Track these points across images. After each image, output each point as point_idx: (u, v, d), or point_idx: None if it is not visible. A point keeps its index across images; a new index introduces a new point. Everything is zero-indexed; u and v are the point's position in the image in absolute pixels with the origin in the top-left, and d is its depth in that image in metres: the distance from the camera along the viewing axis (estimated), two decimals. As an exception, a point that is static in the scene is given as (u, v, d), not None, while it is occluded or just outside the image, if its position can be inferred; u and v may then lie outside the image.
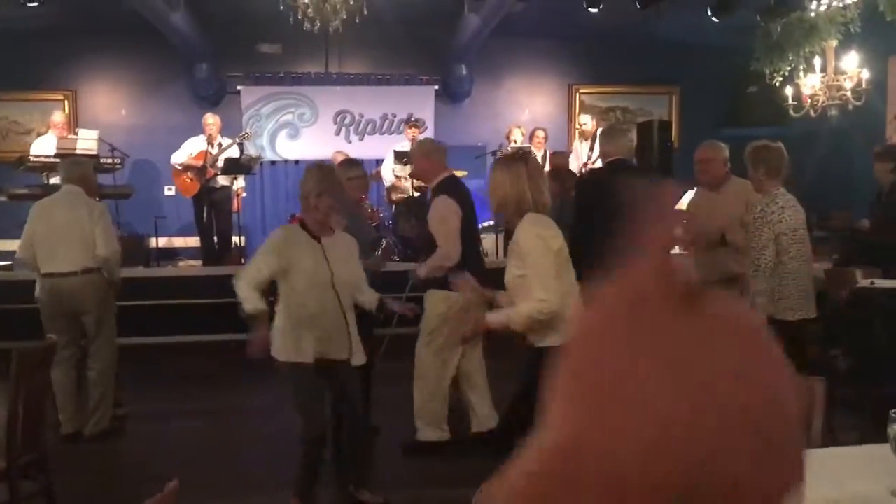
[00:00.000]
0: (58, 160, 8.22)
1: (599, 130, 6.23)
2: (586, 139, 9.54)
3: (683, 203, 7.27)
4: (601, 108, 11.58)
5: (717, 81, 10.72)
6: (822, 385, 2.66)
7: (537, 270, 3.22)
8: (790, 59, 8.01)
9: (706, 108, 11.01)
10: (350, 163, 5.37)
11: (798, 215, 4.25)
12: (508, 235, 5.11)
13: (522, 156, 3.60)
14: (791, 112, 7.44)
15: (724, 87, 10.80)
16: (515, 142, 9.63)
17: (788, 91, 7.39)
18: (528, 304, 3.21)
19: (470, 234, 4.60)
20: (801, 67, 7.83)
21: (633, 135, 5.82)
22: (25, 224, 5.14)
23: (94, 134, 8.62)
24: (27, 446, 3.34)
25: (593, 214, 4.30)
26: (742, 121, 10.42)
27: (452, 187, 4.61)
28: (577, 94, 11.55)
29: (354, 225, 4.60)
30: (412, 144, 9.15)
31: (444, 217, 4.47)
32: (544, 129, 9.74)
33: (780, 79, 8.13)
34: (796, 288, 4.22)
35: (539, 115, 11.19)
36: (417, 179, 5.07)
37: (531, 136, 9.62)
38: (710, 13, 8.62)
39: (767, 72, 8.29)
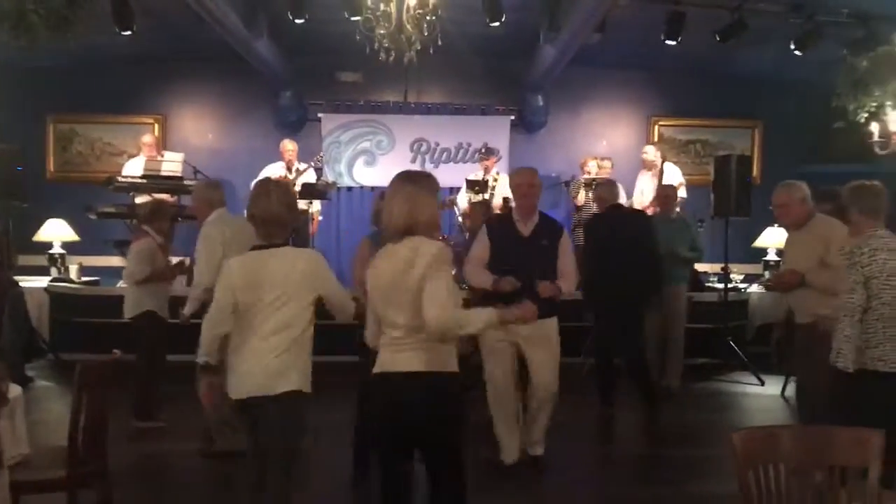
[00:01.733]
0: (144, 181, 8.64)
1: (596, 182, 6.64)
2: (650, 170, 9.39)
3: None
4: (681, 141, 11.41)
5: (801, 116, 10.43)
6: (880, 436, 2.55)
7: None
8: (876, 94, 7.74)
9: (789, 143, 10.72)
10: (381, 194, 5.43)
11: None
12: None
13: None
14: (877, 149, 7.17)
15: (808, 122, 10.49)
16: (590, 173, 9.58)
17: (874, 128, 7.13)
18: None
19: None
20: (888, 104, 7.55)
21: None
22: (212, 245, 4.95)
23: (178, 157, 8.99)
24: (88, 456, 3.47)
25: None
26: (826, 157, 10.07)
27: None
28: (657, 127, 11.41)
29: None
30: (485, 174, 9.24)
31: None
32: (610, 159, 9.71)
33: (866, 115, 7.86)
34: (887, 336, 3.93)
35: (617, 147, 11.09)
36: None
37: (582, 166, 9.65)
38: (793, 46, 8.41)
39: (851, 108, 8.03)
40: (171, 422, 5.85)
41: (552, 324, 4.76)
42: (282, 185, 3.76)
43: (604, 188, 6.75)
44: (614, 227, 5.06)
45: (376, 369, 3.15)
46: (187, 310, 5.00)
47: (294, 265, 3.40)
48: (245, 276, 3.37)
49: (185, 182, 8.86)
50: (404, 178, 3.28)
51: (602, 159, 9.76)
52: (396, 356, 3.10)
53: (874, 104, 7.81)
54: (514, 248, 4.73)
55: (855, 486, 2.54)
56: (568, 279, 4.59)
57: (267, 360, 3.32)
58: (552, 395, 4.80)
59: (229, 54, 8.97)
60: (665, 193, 7.62)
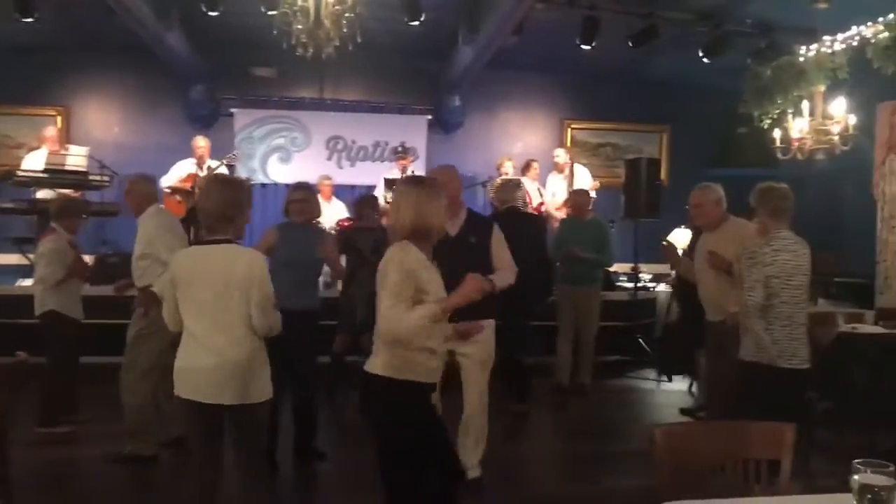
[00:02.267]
0: (46, 175, 8.25)
1: (497, 182, 6.65)
2: (560, 172, 9.59)
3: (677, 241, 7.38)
4: (593, 144, 11.67)
5: (706, 121, 10.82)
6: (791, 430, 2.65)
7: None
8: (779, 102, 8.09)
9: (696, 147, 11.10)
10: (293, 186, 5.42)
11: (797, 260, 4.14)
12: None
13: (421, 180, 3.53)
14: (779, 155, 7.48)
15: (713, 128, 10.90)
16: (507, 174, 9.66)
17: (777, 134, 7.43)
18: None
19: None
20: (790, 111, 7.89)
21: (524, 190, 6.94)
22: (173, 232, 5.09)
23: (83, 151, 8.61)
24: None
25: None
26: (731, 161, 10.50)
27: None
28: (570, 129, 11.63)
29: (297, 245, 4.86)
30: (402, 173, 9.21)
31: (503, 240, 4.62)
32: (538, 161, 9.80)
33: (769, 121, 8.20)
34: (786, 334, 4.09)
35: (531, 149, 11.24)
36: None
37: (526, 167, 9.65)
38: (701, 54, 8.71)
39: (756, 114, 8.37)
40: (82, 426, 5.66)
41: (489, 332, 4.55)
42: (228, 181, 3.69)
43: (502, 189, 6.75)
44: (508, 228, 4.94)
45: None
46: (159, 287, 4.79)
47: (234, 263, 3.30)
48: (183, 270, 3.32)
49: (91, 177, 8.51)
50: (413, 181, 3.39)
51: (532, 161, 9.86)
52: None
53: (777, 111, 8.16)
54: (442, 250, 4.67)
55: (768, 477, 2.63)
56: (503, 273, 4.52)
57: (206, 362, 3.27)
58: (476, 416, 4.61)
59: (139, 46, 8.67)
60: (578, 200, 7.71)
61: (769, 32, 8.38)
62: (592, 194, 9.38)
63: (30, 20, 7.48)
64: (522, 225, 6.42)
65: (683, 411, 6.78)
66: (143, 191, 5.15)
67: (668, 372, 8.03)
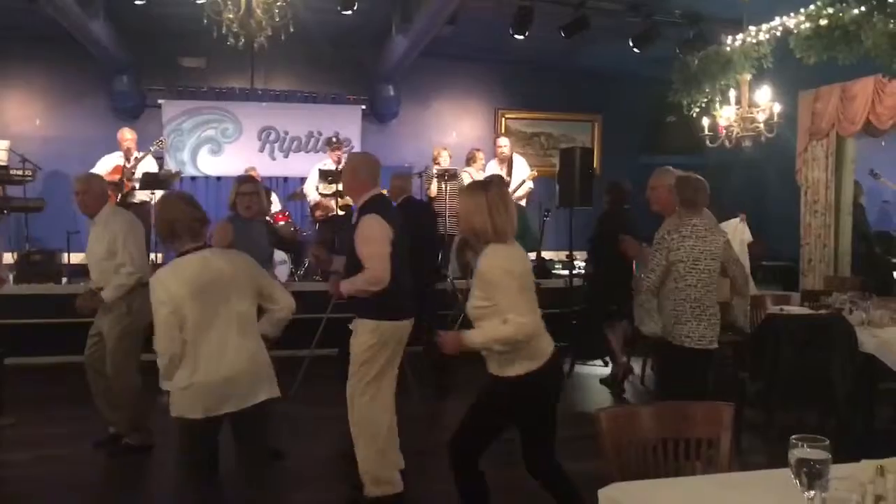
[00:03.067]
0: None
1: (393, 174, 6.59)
2: (503, 163, 9.64)
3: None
4: (526, 134, 11.77)
5: (637, 110, 11.02)
6: (729, 410, 2.73)
7: (509, 297, 3.26)
8: (706, 91, 8.27)
9: (627, 135, 11.30)
10: (240, 179, 5.32)
11: (705, 246, 4.34)
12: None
13: (486, 184, 3.55)
14: (707, 142, 7.66)
15: (643, 116, 11.11)
16: (441, 164, 9.67)
17: (705, 122, 7.60)
18: (509, 325, 3.23)
19: (400, 258, 4.15)
20: (718, 99, 8.09)
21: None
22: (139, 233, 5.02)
23: (4, 144, 8.31)
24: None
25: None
26: (660, 149, 10.72)
27: (381, 207, 4.18)
28: (504, 119, 11.70)
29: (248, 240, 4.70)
30: (336, 164, 9.13)
31: (370, 238, 4.04)
32: (482, 151, 9.81)
33: (697, 110, 8.38)
34: (694, 316, 4.31)
35: (466, 138, 11.29)
36: (347, 196, 4.94)
37: (472, 158, 9.64)
38: (631, 44, 8.86)
39: (685, 102, 8.55)
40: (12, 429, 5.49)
41: (357, 329, 4.22)
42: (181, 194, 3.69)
43: (400, 178, 6.65)
44: (405, 217, 4.68)
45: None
46: (109, 294, 4.80)
47: (236, 265, 3.39)
48: (192, 282, 3.23)
49: (12, 172, 8.20)
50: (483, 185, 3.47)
51: (476, 151, 9.85)
52: None
53: (705, 100, 8.34)
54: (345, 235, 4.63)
55: (708, 455, 2.71)
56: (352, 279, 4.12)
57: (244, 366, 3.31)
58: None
59: (61, 34, 8.36)
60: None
61: (697, 23, 8.56)
62: (530, 184, 9.51)
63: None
64: (418, 213, 6.49)
65: (602, 381, 7.23)
66: (100, 190, 5.04)
67: (588, 357, 8.17)
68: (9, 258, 8.41)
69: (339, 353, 6.27)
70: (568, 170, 8.69)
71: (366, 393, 4.14)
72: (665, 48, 8.66)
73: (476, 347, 3.34)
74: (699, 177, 4.52)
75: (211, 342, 3.23)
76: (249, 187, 5.05)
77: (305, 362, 6.61)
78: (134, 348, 4.94)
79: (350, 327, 4.22)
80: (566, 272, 9.05)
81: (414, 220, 5.26)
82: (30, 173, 8.22)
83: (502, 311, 3.25)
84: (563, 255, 9.49)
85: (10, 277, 7.59)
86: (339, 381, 4.88)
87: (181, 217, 3.31)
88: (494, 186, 3.46)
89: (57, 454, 5.08)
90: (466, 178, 9.37)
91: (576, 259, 9.19)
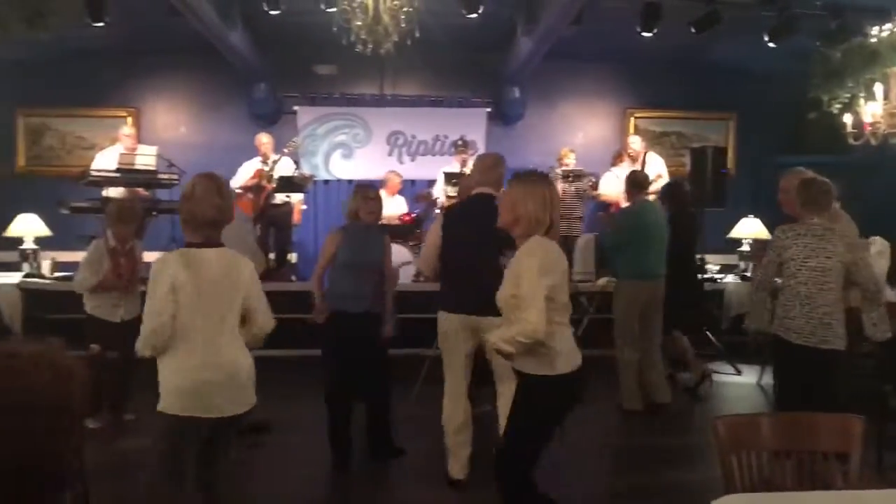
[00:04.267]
0: (118, 174, 8.52)
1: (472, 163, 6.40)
2: (635, 161, 9.41)
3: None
4: (656, 133, 11.48)
5: (774, 108, 10.53)
6: (859, 422, 2.57)
7: (530, 293, 3.17)
8: (849, 85, 7.82)
9: (764, 134, 10.83)
10: (367, 187, 5.33)
11: (819, 244, 4.28)
12: None
13: (543, 176, 3.54)
14: (850, 140, 7.25)
15: (782, 114, 10.60)
16: (568, 165, 9.58)
17: (848, 119, 7.20)
18: (516, 326, 3.18)
19: (452, 254, 4.51)
20: (861, 95, 7.63)
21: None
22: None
23: (152, 150, 8.86)
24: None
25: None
26: (800, 148, 10.17)
27: (459, 206, 4.74)
28: (633, 119, 11.46)
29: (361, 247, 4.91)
30: (461, 166, 9.22)
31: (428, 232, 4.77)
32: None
33: (840, 106, 7.94)
34: (803, 313, 4.28)
35: (593, 139, 11.15)
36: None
37: (617, 158, 9.59)
38: (767, 38, 8.46)
39: (826, 98, 8.11)
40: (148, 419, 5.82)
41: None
42: (213, 178, 3.41)
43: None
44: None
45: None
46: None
47: (237, 268, 3.28)
48: (191, 275, 3.18)
49: (160, 176, 8.75)
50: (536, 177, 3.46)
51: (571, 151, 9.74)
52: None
53: (847, 95, 7.90)
54: None
55: (835, 471, 2.56)
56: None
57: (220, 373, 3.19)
58: None
59: (203, 46, 8.86)
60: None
61: (839, 13, 8.07)
62: (664, 179, 9.20)
63: (100, 25, 7.72)
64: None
65: (685, 389, 6.96)
66: None
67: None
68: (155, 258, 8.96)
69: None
70: (699, 170, 8.45)
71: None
72: (803, 41, 8.24)
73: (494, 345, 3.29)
74: (824, 179, 4.44)
75: (197, 340, 3.15)
76: (374, 193, 5.15)
77: (427, 362, 6.70)
78: None
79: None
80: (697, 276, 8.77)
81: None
82: (176, 177, 8.73)
83: (521, 303, 3.19)
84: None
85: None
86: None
87: (190, 210, 3.25)
88: (550, 181, 3.53)
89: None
90: (612, 178, 9.25)
91: (708, 263, 8.90)
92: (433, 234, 4.63)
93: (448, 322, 4.48)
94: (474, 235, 4.38)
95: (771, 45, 8.52)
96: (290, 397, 6.05)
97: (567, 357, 3.28)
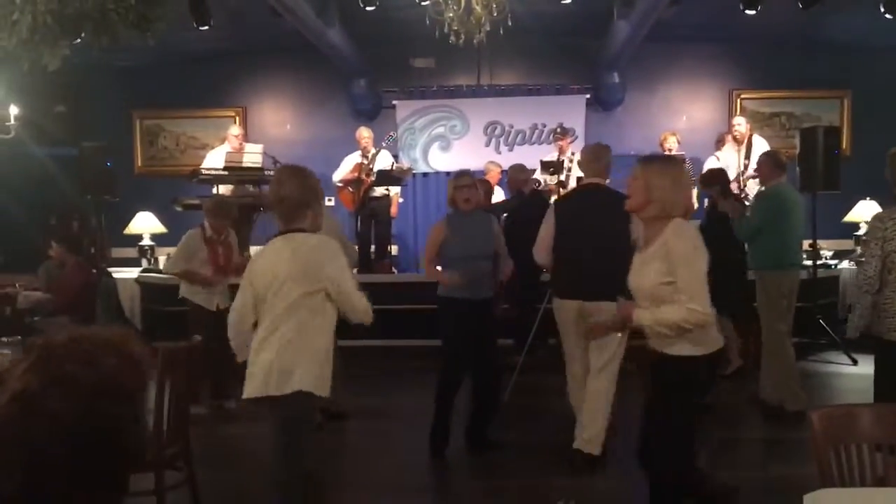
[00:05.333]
0: (227, 173, 8.87)
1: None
2: (741, 144, 9.05)
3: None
4: (764, 114, 11.03)
5: (893, 84, 9.94)
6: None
7: (693, 280, 3.10)
8: (974, 56, 7.30)
9: (881, 112, 10.22)
10: (459, 174, 5.34)
11: None
12: None
13: (673, 158, 3.53)
14: (977, 115, 6.77)
15: (901, 90, 10.00)
16: (670, 150, 9.33)
17: (973, 92, 6.73)
18: (679, 310, 3.08)
19: (567, 243, 4.66)
20: None
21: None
22: None
23: (258, 148, 9.17)
24: (172, 439, 3.60)
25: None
26: (922, 126, 9.58)
27: (571, 197, 4.89)
28: (739, 100, 11.05)
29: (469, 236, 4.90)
30: (560, 154, 9.13)
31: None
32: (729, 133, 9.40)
33: (964, 79, 7.43)
34: None
35: (697, 122, 10.82)
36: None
37: (719, 142, 9.32)
38: (882, 10, 7.99)
39: (948, 71, 7.60)
40: (251, 406, 6.05)
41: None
42: (299, 168, 3.55)
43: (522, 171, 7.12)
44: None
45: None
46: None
47: (322, 252, 3.30)
48: (277, 263, 3.27)
49: (266, 173, 9.04)
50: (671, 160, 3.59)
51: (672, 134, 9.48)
52: None
53: (972, 67, 7.38)
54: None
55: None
56: None
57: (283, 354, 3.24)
58: None
59: (303, 45, 9.11)
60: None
61: (962, -20, 7.57)
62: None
63: (205, 28, 8.05)
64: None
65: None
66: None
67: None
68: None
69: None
70: (810, 151, 8.06)
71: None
72: (923, 11, 7.75)
73: (642, 325, 3.19)
74: None
75: (266, 324, 3.24)
76: (467, 180, 5.12)
77: (524, 353, 6.68)
78: None
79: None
80: (810, 262, 8.40)
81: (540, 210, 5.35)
82: (281, 174, 9.00)
83: (681, 290, 3.08)
84: (805, 244, 8.79)
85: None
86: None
87: (276, 199, 3.35)
88: (680, 163, 3.52)
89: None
90: (714, 163, 8.98)
91: (822, 248, 8.52)
92: (548, 225, 4.72)
93: (565, 309, 4.63)
94: (588, 225, 4.59)
95: (888, 16, 8.05)
96: (393, 386, 6.17)
97: (715, 333, 3.23)
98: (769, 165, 5.92)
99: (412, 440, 5.14)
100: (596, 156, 4.85)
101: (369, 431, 5.65)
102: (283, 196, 3.31)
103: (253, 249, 9.19)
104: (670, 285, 3.12)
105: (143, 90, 10.86)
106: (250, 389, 3.25)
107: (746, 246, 6.12)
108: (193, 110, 11.18)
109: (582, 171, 4.84)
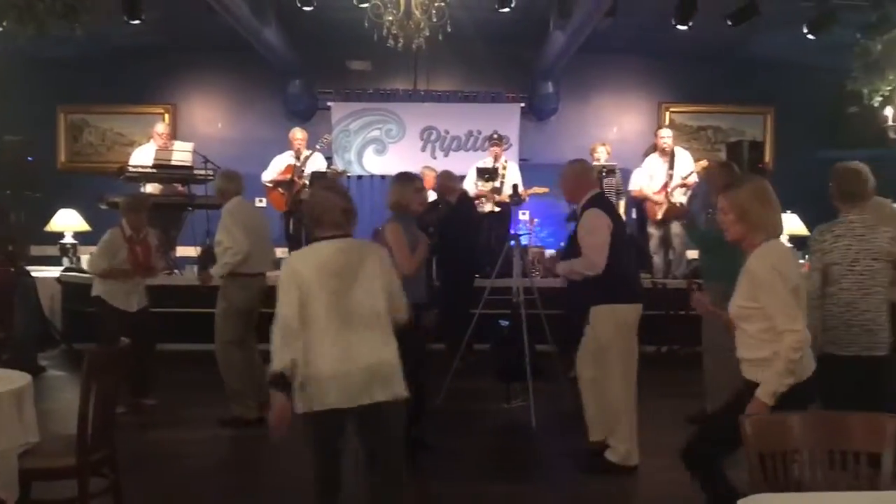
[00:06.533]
0: (155, 170, 8.64)
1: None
2: (665, 155, 9.20)
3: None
4: (692, 128, 11.34)
5: (813, 101, 10.34)
6: (893, 422, 2.51)
7: (776, 302, 3.04)
8: (890, 78, 7.64)
9: (803, 128, 10.63)
10: (410, 177, 5.19)
11: (862, 245, 3.90)
12: None
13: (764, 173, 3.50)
14: (891, 134, 7.09)
15: (821, 107, 10.41)
16: (598, 160, 9.45)
17: (888, 112, 7.04)
18: (783, 347, 3.00)
19: (617, 249, 4.67)
20: (903, 88, 7.47)
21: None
22: (230, 226, 5.52)
23: (188, 146, 8.96)
24: (97, 444, 3.47)
25: None
26: (840, 142, 9.98)
27: (601, 202, 4.80)
28: (668, 113, 11.33)
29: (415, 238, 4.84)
30: (495, 161, 9.18)
31: (593, 228, 4.64)
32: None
33: (880, 99, 7.76)
34: (843, 321, 3.90)
35: (627, 134, 11.04)
36: (568, 198, 5.11)
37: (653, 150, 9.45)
38: (806, 30, 8.31)
39: (866, 91, 7.94)
40: (174, 410, 5.99)
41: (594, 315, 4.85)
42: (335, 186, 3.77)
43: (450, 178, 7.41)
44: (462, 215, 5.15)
45: None
46: (217, 271, 5.58)
47: (368, 257, 3.32)
48: (317, 266, 3.22)
49: (196, 171, 8.84)
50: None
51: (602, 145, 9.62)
52: None
53: (888, 88, 7.72)
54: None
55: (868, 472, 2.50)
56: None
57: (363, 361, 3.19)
58: None
59: (238, 43, 8.95)
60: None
61: (880, 4, 7.89)
62: (693, 178, 9.04)
63: (137, 23, 7.84)
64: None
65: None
66: (218, 186, 5.89)
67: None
68: (192, 251, 9.07)
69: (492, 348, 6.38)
70: (735, 164, 8.29)
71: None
72: (843, 34, 8.07)
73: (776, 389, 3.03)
74: (862, 166, 4.06)
75: (330, 333, 3.15)
76: (420, 184, 5.09)
77: (457, 358, 6.68)
78: (228, 328, 5.56)
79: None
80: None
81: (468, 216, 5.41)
82: (211, 173, 8.81)
83: (770, 316, 3.04)
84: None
85: (193, 268, 8.21)
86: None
87: (329, 207, 3.31)
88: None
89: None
90: (640, 173, 9.10)
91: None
92: (607, 232, 4.66)
93: (627, 313, 4.69)
94: (623, 231, 4.90)
95: (810, 37, 8.38)
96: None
97: (807, 360, 3.15)
98: (724, 176, 5.95)
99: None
100: (584, 169, 5.02)
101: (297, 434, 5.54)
102: None
103: (181, 249, 9.04)
104: (752, 310, 3.11)
105: (69, 84, 10.51)
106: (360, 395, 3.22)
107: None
108: (121, 106, 10.88)
109: (582, 184, 4.85)
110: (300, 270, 3.19)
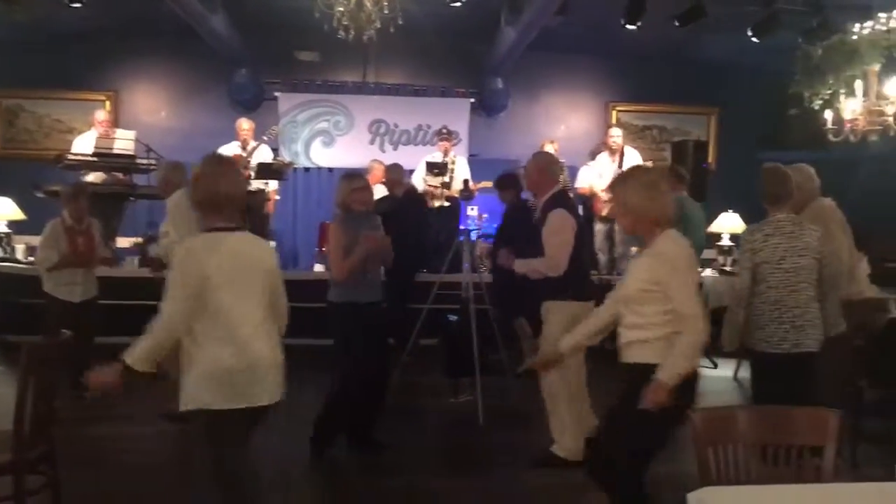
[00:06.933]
0: (95, 159, 8.40)
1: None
2: (615, 154, 9.29)
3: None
4: (638, 127, 11.50)
5: (756, 103, 10.58)
6: (834, 417, 2.57)
7: (680, 287, 3.13)
8: (830, 82, 7.86)
9: (746, 129, 10.87)
10: (351, 176, 5.15)
11: (790, 243, 4.02)
12: None
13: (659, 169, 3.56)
14: (830, 136, 7.28)
15: (764, 109, 10.65)
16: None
17: (828, 115, 7.23)
18: (689, 329, 3.09)
19: (577, 249, 4.70)
20: (842, 91, 7.66)
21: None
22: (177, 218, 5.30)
23: (131, 134, 8.74)
24: (35, 440, 3.36)
25: None
26: (781, 144, 10.23)
27: (565, 202, 4.80)
28: (615, 112, 11.47)
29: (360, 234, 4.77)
30: (444, 155, 9.17)
31: (559, 229, 4.64)
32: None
33: (820, 102, 7.98)
34: (773, 318, 4.01)
35: (575, 132, 11.15)
36: (531, 192, 5.13)
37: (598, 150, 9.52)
38: (750, 34, 8.49)
39: (807, 95, 8.15)
40: (112, 407, 5.76)
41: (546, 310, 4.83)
42: (235, 163, 3.48)
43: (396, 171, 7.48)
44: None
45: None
46: (161, 252, 5.45)
47: (265, 251, 3.20)
48: (226, 256, 3.00)
49: (138, 161, 8.63)
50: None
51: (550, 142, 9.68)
52: None
53: (828, 92, 7.94)
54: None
55: (812, 465, 2.56)
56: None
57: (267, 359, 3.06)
58: None
59: (184, 30, 8.76)
60: None
61: (821, 10, 8.12)
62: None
63: (78, 6, 7.61)
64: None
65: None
66: (163, 177, 5.74)
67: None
68: (132, 242, 8.85)
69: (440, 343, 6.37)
70: (680, 164, 8.45)
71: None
72: (786, 38, 8.27)
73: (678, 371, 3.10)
74: (784, 168, 4.21)
75: (244, 324, 2.98)
76: (361, 182, 5.03)
77: (405, 353, 6.66)
78: None
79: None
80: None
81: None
82: (154, 163, 8.61)
83: (670, 298, 3.11)
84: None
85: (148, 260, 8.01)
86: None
87: (236, 194, 3.08)
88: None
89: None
90: (588, 171, 9.18)
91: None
92: (573, 232, 4.68)
93: (580, 310, 4.51)
94: (583, 230, 4.97)
95: (754, 40, 8.56)
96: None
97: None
98: (670, 178, 6.01)
99: (291, 440, 5.00)
100: (557, 164, 5.14)
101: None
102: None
103: (121, 241, 8.81)
104: (652, 294, 3.16)
105: (5, 67, 10.14)
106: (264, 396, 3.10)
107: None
108: (59, 91, 10.54)
109: (546, 178, 4.85)
110: (207, 261, 2.94)
